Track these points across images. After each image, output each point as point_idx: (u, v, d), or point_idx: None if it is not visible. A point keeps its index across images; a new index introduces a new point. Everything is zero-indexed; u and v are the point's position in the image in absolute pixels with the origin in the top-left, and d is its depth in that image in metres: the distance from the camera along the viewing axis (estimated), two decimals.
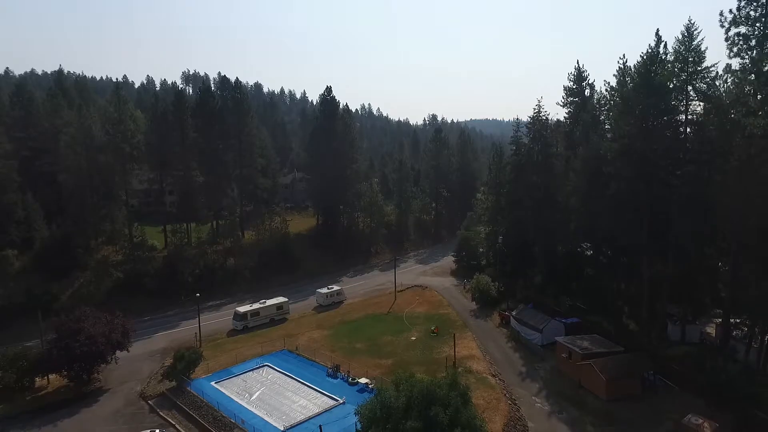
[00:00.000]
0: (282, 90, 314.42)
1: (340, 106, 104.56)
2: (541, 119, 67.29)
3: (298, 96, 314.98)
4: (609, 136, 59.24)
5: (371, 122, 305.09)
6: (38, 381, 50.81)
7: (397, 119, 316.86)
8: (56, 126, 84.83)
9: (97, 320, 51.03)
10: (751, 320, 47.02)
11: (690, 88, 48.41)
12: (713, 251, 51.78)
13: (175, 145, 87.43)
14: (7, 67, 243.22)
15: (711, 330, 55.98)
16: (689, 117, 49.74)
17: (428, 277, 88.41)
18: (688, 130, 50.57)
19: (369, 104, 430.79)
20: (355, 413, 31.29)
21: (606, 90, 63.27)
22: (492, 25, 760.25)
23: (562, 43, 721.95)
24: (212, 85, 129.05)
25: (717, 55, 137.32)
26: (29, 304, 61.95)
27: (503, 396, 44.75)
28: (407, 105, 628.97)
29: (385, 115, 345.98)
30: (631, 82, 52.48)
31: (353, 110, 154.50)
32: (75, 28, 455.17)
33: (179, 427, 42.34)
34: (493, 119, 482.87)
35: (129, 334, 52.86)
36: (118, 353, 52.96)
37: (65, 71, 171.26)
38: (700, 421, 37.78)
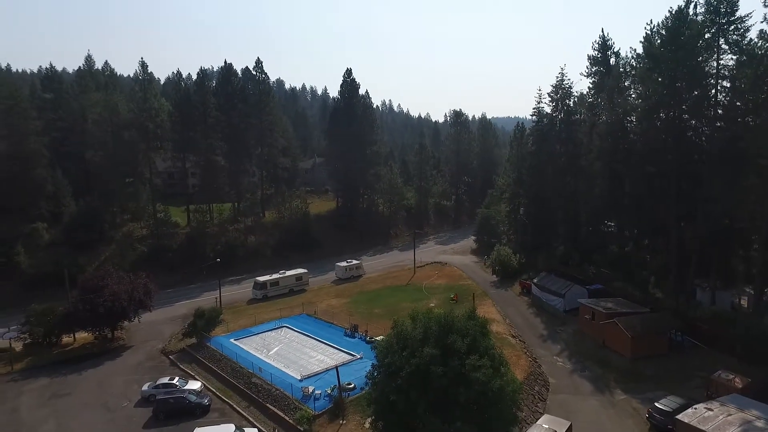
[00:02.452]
0: (303, 86, 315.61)
1: (360, 90, 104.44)
2: (564, 87, 65.79)
3: (319, 92, 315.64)
4: (636, 100, 57.46)
5: (392, 117, 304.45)
6: (64, 338, 52.18)
7: (417, 115, 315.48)
8: (84, 106, 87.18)
9: (121, 279, 52.12)
10: None
11: (722, 40, 46.57)
12: (745, 213, 49.58)
13: (198, 123, 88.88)
14: (40, 66, 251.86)
15: (744, 302, 53.62)
16: (720, 72, 47.84)
17: (448, 255, 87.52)
18: (719, 86, 48.63)
19: (390, 100, 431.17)
20: (372, 348, 30.93)
21: (632, 57, 61.31)
22: (514, 19, 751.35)
23: (583, 31, 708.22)
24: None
25: (749, 6, 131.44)
26: (57, 274, 63.64)
27: (524, 354, 43.83)
28: (428, 102, 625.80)
29: (405, 110, 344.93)
30: (659, 40, 50.77)
31: (374, 106, 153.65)
32: (100, 26, 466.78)
33: (198, 378, 42.74)
34: (515, 117, 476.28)
35: (151, 293, 53.72)
36: (141, 317, 53.78)
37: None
38: (731, 376, 36.08)
